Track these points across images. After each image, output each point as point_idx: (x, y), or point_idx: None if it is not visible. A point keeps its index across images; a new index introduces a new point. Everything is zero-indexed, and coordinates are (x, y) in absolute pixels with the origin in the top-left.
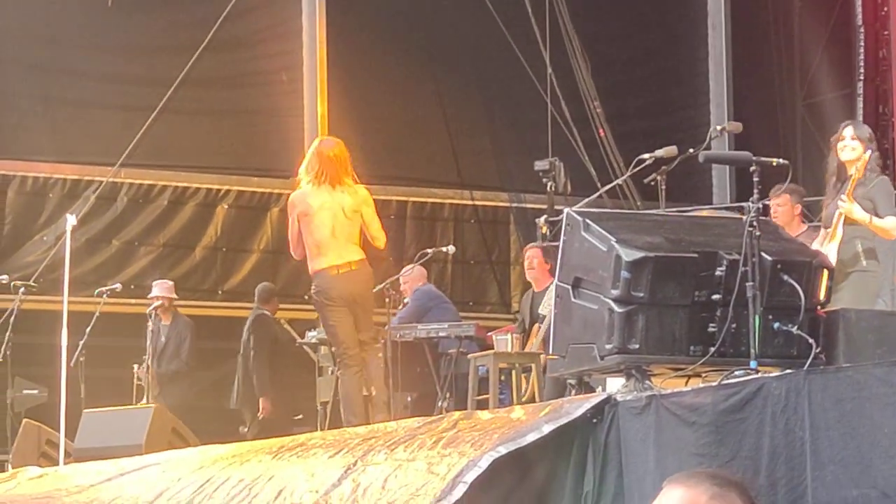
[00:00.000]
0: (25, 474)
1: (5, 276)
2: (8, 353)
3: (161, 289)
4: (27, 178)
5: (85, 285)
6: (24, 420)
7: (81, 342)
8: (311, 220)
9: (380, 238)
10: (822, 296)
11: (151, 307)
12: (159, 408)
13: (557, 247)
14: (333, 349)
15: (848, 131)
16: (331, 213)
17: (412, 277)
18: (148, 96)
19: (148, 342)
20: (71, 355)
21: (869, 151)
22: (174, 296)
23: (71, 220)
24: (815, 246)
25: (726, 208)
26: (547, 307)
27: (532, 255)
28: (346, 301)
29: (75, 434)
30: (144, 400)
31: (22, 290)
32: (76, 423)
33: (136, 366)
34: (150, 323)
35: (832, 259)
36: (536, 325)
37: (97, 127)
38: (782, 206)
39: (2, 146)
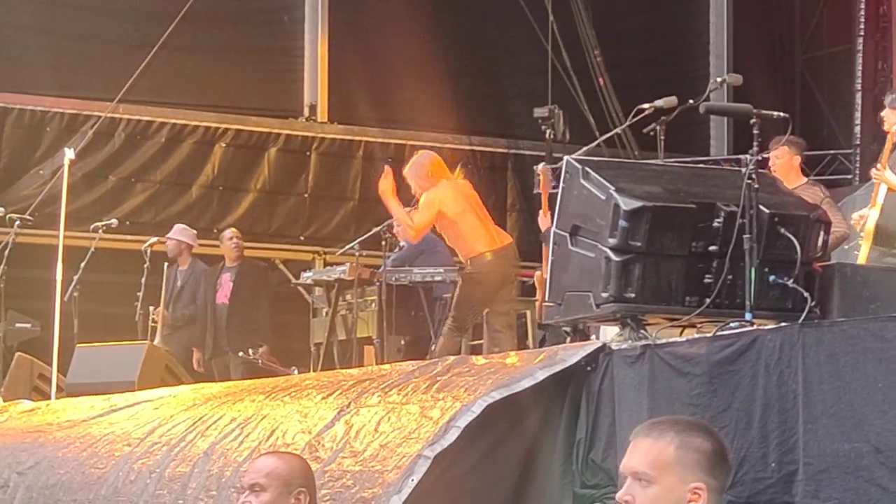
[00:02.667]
0: (17, 408)
1: (1, 209)
2: (1, 286)
3: (179, 233)
4: (25, 111)
5: (81, 220)
6: (17, 354)
7: (76, 277)
8: (453, 214)
9: None
10: (818, 250)
11: (147, 244)
12: (152, 345)
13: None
14: (453, 314)
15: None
16: (467, 204)
17: None
18: (149, 32)
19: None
20: (65, 290)
21: None
22: (193, 242)
23: (68, 153)
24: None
25: (725, 160)
26: None
27: None
28: (499, 282)
29: (68, 369)
30: (157, 341)
31: (17, 223)
32: (69, 358)
33: (151, 307)
34: (146, 261)
35: (871, 224)
36: None
37: (97, 62)
38: (780, 158)
39: (1, 78)
